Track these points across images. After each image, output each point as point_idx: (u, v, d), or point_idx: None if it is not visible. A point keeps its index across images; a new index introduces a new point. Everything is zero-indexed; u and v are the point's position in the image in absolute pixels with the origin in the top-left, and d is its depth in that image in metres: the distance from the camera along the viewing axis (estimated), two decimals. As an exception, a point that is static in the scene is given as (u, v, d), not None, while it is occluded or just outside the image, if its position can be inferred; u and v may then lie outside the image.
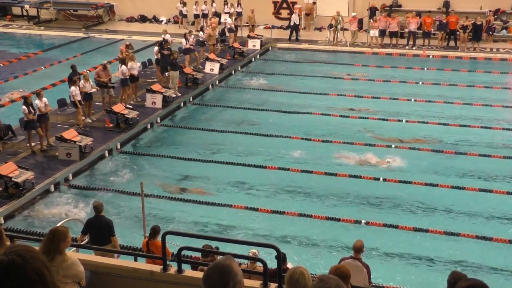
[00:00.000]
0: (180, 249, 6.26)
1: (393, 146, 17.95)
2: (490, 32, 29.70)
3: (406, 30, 29.81)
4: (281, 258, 6.31)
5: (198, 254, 10.22)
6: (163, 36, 24.84)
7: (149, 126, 19.88)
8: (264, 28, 33.44)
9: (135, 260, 8.65)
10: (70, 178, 16.16)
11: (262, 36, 30.57)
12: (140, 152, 18.25)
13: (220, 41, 29.12)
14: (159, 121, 20.45)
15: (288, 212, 14.15)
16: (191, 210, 14.46)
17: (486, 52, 28.86)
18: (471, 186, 15.26)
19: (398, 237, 13.13)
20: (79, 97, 18.51)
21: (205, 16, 32.48)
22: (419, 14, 31.06)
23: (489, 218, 13.91)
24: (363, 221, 13.64)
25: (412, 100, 22.21)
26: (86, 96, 19.05)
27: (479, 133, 18.99)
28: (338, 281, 4.71)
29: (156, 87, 21.38)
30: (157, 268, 6.39)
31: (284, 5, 34.69)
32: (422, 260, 12.30)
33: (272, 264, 6.73)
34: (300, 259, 11.91)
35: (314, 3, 33.62)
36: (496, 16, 30.67)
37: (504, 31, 30.75)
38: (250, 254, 9.37)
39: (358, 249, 9.49)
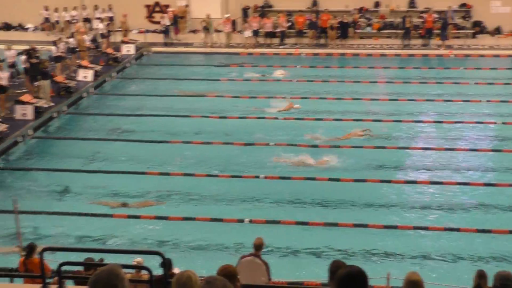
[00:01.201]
0: (61, 265, 6.02)
1: (271, 143, 18.30)
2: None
3: (278, 29, 30.65)
4: (166, 264, 6.25)
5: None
6: (6, 52, 23.85)
7: (20, 139, 18.89)
8: (138, 32, 32.94)
9: (11, 281, 8.18)
10: None
11: (136, 40, 30.13)
12: (12, 166, 17.31)
13: (93, 47, 28.34)
14: (31, 133, 19.49)
15: (172, 217, 14.02)
16: (70, 223, 13.90)
17: (353, 48, 30.29)
18: (346, 178, 15.90)
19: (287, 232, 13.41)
20: None
21: (75, 22, 31.46)
22: (290, 13, 32.10)
23: (390, 207, 14.53)
24: (246, 220, 13.79)
25: (288, 97, 22.81)
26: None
27: (350, 125, 19.74)
28: (225, 281, 4.71)
29: (26, 97, 20.39)
30: (36, 287, 6.09)
31: (157, 9, 34.36)
32: (330, 252, 12.56)
33: (159, 271, 6.63)
34: (188, 263, 11.82)
35: (187, 5, 33.61)
36: (361, 14, 32.26)
37: (368, 28, 32.43)
38: (135, 263, 9.19)
39: (258, 247, 9.59)
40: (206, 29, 30.46)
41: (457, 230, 13.21)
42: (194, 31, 33.62)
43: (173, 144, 18.45)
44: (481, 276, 8.62)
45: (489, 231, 13.09)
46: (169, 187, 15.65)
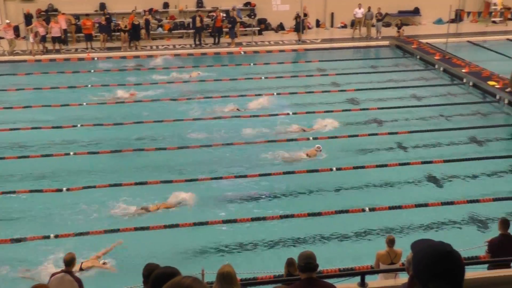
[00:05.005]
0: None
1: (99, 152, 17.64)
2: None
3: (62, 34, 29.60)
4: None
5: None
6: None
7: None
8: None
9: None
10: None
11: None
12: None
13: None
14: None
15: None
16: None
17: (147, 50, 30.20)
18: (128, 182, 15.76)
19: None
20: None
21: None
22: (77, 17, 31.06)
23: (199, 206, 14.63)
24: (51, 236, 13.14)
25: (84, 104, 22.06)
26: None
27: (154, 126, 19.74)
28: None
29: None
30: None
31: None
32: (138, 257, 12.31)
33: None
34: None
35: (-39, 11, 30.83)
36: (151, 15, 32.24)
37: (160, 29, 32.55)
38: None
39: (68, 262, 9.19)
40: (-14, 36, 28.27)
41: (264, 219, 13.87)
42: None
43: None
44: (290, 264, 9.17)
45: (291, 216, 13.96)
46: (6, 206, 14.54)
